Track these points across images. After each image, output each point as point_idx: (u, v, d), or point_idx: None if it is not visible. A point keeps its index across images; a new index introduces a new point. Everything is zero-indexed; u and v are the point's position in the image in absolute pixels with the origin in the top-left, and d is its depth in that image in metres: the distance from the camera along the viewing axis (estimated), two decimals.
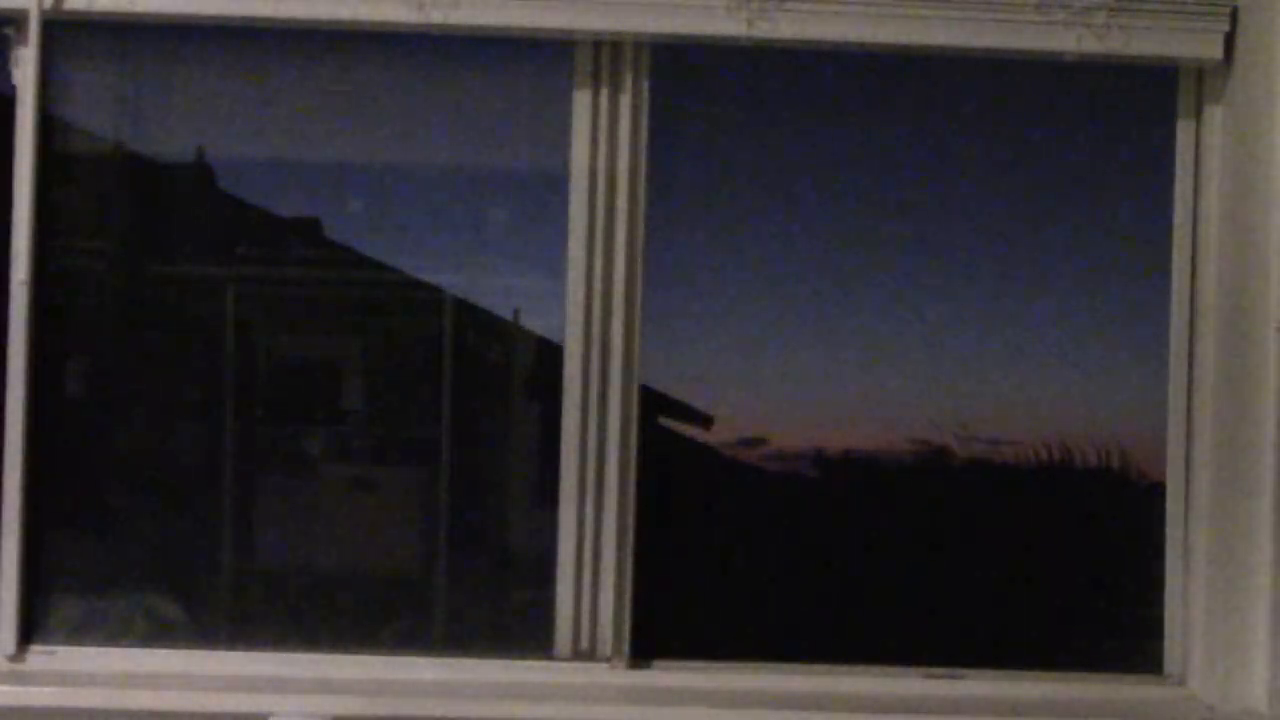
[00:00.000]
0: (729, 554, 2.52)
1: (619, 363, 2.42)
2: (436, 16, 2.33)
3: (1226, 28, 2.39)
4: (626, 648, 2.41)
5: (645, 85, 2.43)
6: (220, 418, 2.48)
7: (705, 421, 2.53)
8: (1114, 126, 2.52)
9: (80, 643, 2.40)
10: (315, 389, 2.53)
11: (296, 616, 2.45)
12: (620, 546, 2.41)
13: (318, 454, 2.53)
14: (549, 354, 2.45)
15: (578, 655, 2.42)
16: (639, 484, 2.42)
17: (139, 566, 2.45)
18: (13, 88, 2.36)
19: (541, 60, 2.43)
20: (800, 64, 2.46)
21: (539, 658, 2.42)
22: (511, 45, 2.41)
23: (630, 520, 2.42)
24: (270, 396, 2.52)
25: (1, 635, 2.36)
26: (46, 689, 2.29)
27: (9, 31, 2.36)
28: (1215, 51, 2.39)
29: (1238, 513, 2.36)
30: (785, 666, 2.43)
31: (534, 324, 2.51)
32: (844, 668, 2.43)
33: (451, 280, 2.51)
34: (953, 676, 2.43)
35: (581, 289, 2.42)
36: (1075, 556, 2.52)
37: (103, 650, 2.39)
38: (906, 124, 2.52)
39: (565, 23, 2.35)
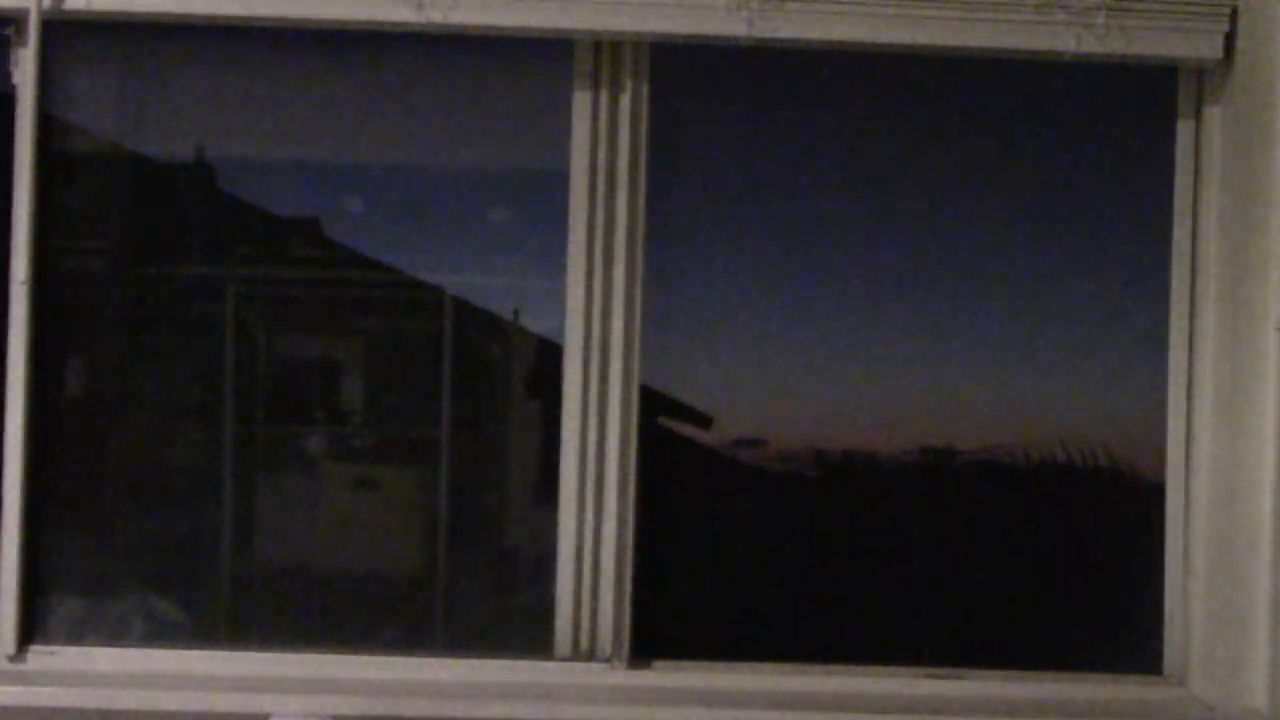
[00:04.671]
0: (729, 554, 2.52)
1: (619, 363, 2.42)
2: (436, 16, 2.33)
3: (1226, 28, 2.39)
4: (626, 648, 2.41)
5: (645, 85, 2.43)
6: (220, 418, 2.48)
7: (705, 421, 2.53)
8: (1114, 126, 2.52)
9: (80, 643, 2.40)
10: (315, 389, 2.53)
11: (296, 616, 2.45)
12: (620, 546, 2.41)
13: (318, 454, 2.53)
14: (549, 354, 2.45)
15: (578, 655, 2.42)
16: (639, 484, 2.43)
17: (139, 566, 2.45)
18: (13, 88, 2.36)
19: (541, 60, 2.43)
20: (800, 64, 2.46)
21: (539, 658, 2.42)
22: (511, 45, 2.41)
23: (630, 520, 2.42)
24: (270, 396, 2.52)
25: (2, 635, 2.36)
26: (46, 689, 2.29)
27: (9, 31, 2.37)
28: (1215, 51, 2.39)
29: (1238, 513, 2.36)
30: (785, 666, 2.43)
31: (534, 324, 2.51)
32: (844, 668, 2.43)
33: (451, 280, 2.51)
34: (953, 676, 2.43)
35: (581, 289, 2.42)
36: (1075, 556, 2.52)
37: (103, 650, 2.39)
38: (906, 124, 2.52)
39: (565, 23, 2.35)
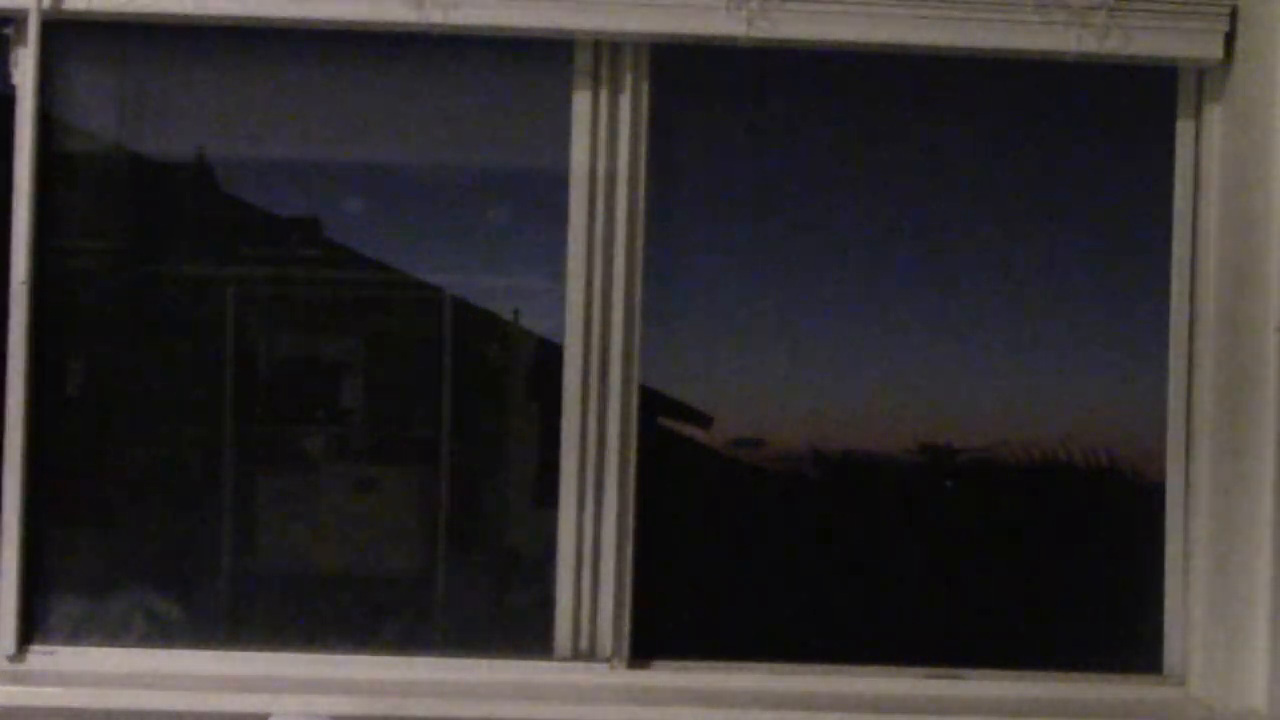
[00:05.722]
0: (728, 554, 2.52)
1: (619, 363, 2.42)
2: (436, 16, 2.33)
3: (1226, 28, 2.39)
4: (626, 648, 2.42)
5: (645, 85, 2.43)
6: (220, 418, 2.48)
7: (705, 421, 2.53)
8: (1114, 126, 2.52)
9: (80, 643, 2.40)
10: (315, 389, 2.53)
11: (296, 616, 2.45)
12: (620, 546, 2.41)
13: (318, 454, 2.53)
14: (549, 354, 2.45)
15: (578, 655, 2.42)
16: (639, 484, 2.42)
17: (139, 566, 2.45)
18: (13, 88, 2.36)
19: (541, 60, 2.43)
20: (800, 64, 2.46)
21: (539, 658, 2.42)
22: (511, 45, 2.41)
23: (630, 520, 2.42)
24: (270, 396, 2.52)
25: (2, 635, 2.36)
26: (46, 689, 2.29)
27: (9, 31, 2.37)
28: (1215, 51, 2.39)
29: (1238, 513, 2.36)
30: (785, 666, 2.43)
31: (534, 324, 2.51)
32: (844, 668, 2.43)
33: (451, 280, 2.51)
34: (953, 676, 2.43)
35: (581, 289, 2.42)
36: (1076, 556, 2.52)
37: (103, 650, 2.39)
38: (906, 124, 2.52)
39: (565, 23, 2.35)
